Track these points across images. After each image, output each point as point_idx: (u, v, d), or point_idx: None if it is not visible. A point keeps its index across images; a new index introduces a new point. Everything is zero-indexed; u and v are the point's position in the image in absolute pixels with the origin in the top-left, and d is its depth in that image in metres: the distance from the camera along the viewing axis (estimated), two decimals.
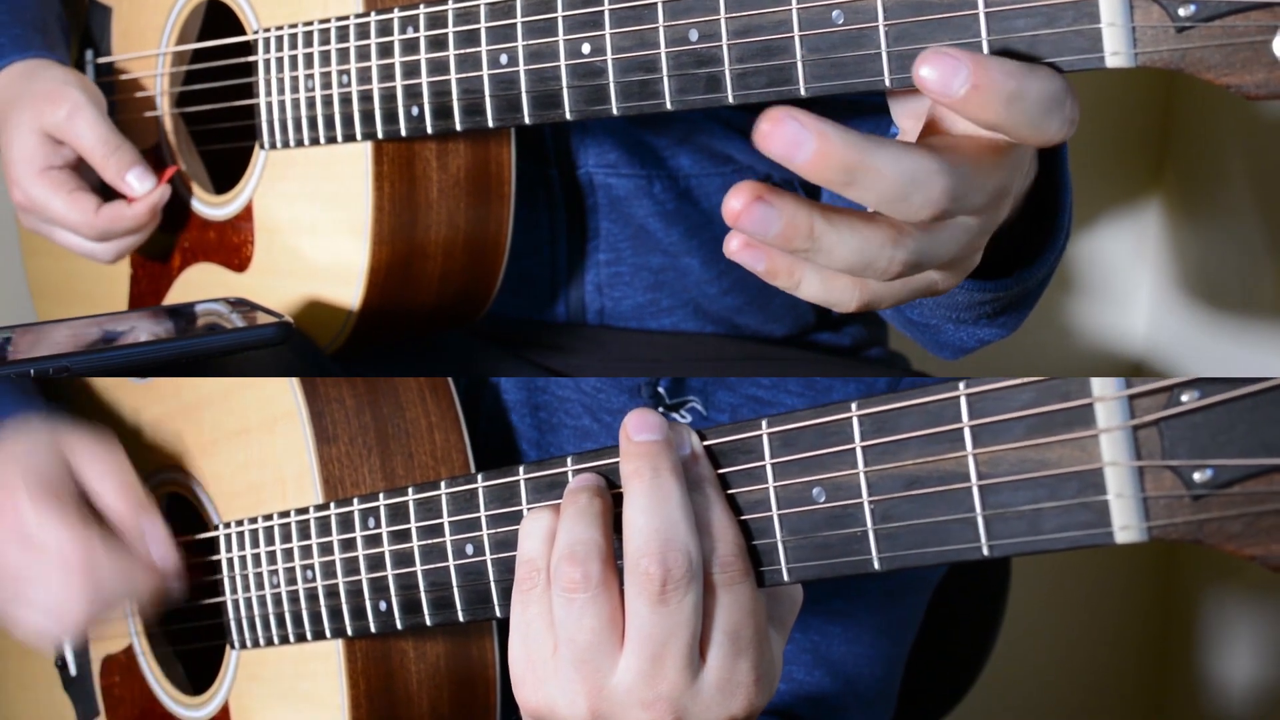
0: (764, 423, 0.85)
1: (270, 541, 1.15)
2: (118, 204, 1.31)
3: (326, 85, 1.20)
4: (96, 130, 1.30)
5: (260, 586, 1.16)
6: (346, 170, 1.21)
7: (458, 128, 1.12)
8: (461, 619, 1.01)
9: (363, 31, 1.17)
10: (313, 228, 1.25)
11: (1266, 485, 0.67)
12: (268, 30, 1.25)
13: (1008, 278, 1.03)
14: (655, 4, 0.96)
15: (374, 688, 1.12)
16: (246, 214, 1.30)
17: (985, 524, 0.77)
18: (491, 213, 1.25)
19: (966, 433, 0.77)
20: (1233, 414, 0.68)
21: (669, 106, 0.97)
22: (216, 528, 1.21)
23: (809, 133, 0.77)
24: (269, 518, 1.15)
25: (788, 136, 0.77)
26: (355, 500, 1.07)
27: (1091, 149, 2.06)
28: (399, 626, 1.05)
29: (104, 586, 1.14)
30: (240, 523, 1.18)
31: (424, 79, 1.13)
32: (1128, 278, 2.13)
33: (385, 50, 1.16)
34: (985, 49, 0.83)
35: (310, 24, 1.21)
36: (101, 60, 1.46)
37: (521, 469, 0.96)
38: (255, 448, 1.19)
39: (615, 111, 1.00)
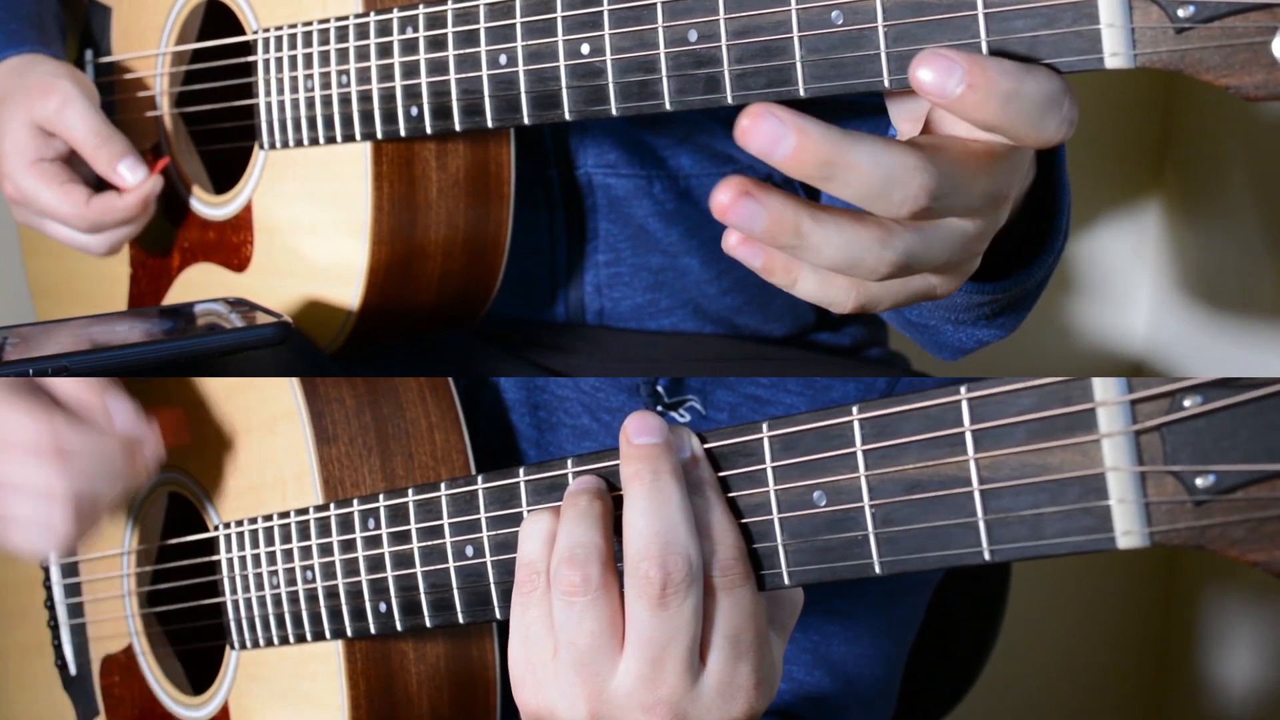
0: (764, 426, 0.85)
1: (270, 542, 1.15)
2: (108, 195, 1.30)
3: (326, 85, 1.20)
4: (87, 121, 1.29)
5: (260, 587, 1.16)
6: (346, 170, 1.21)
7: (457, 128, 1.12)
8: (461, 621, 1.01)
9: (362, 32, 1.17)
10: (312, 228, 1.25)
11: (1269, 491, 0.67)
12: (267, 30, 1.25)
13: (1006, 279, 1.03)
14: (654, 4, 0.96)
15: (374, 689, 1.12)
16: (246, 214, 1.30)
17: (986, 528, 0.77)
18: (491, 213, 1.25)
19: (968, 437, 0.77)
20: (1235, 419, 0.68)
21: (668, 107, 0.97)
22: (216, 528, 1.21)
23: (788, 128, 0.77)
24: (269, 518, 1.15)
25: (766, 132, 0.77)
26: (355, 501, 1.07)
27: (1091, 149, 2.05)
28: (399, 628, 1.05)
29: (79, 470, 1.12)
30: (240, 523, 1.18)
31: (423, 79, 1.13)
32: (1128, 278, 2.13)
33: (384, 50, 1.16)
34: (984, 49, 0.82)
35: (310, 24, 1.21)
36: (101, 60, 1.45)
37: (522, 471, 0.96)
38: (255, 448, 1.19)
39: (614, 112, 1.00)
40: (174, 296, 1.38)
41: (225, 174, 1.35)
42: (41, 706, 1.44)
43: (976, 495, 0.77)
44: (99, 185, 1.32)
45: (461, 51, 1.10)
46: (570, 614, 0.87)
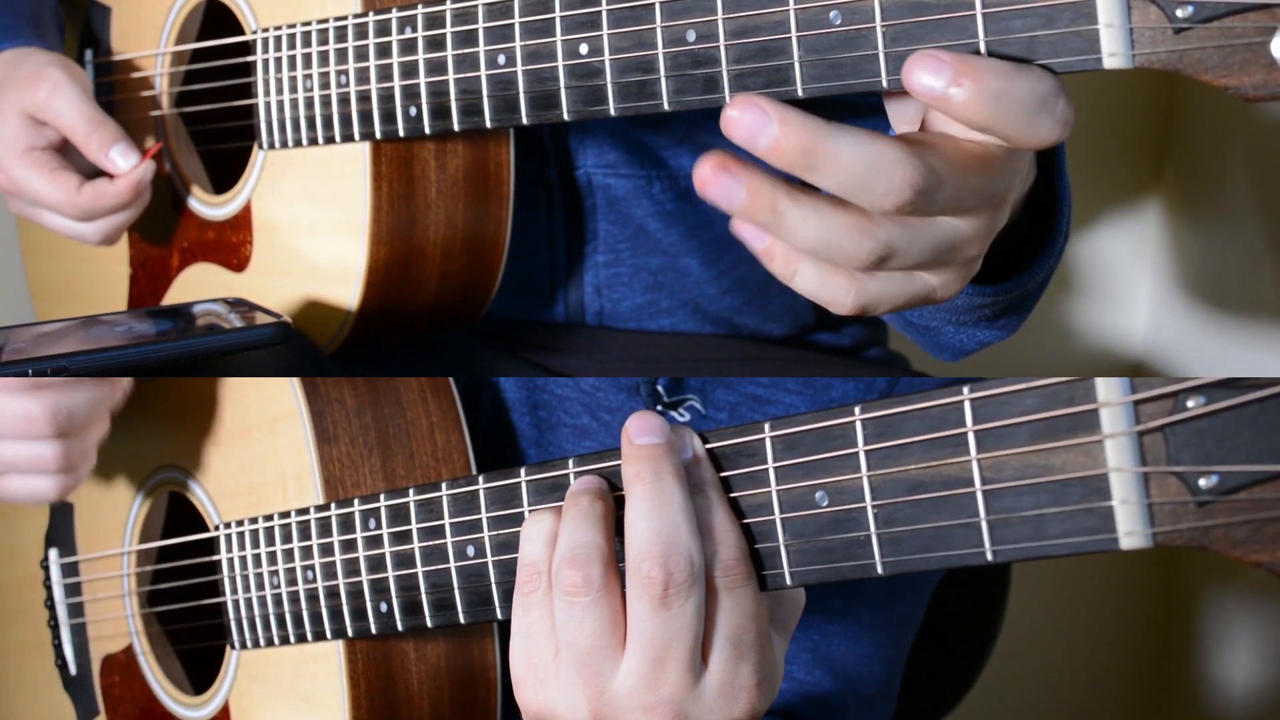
0: (766, 426, 0.85)
1: (270, 542, 1.15)
2: (100, 181, 1.30)
3: (325, 85, 1.20)
4: (77, 108, 1.29)
5: (260, 587, 1.16)
6: (345, 170, 1.21)
7: (455, 128, 1.12)
8: (462, 621, 1.01)
9: (361, 32, 1.17)
10: (311, 228, 1.25)
11: (1273, 491, 0.67)
12: (266, 30, 1.25)
13: (1006, 281, 1.03)
14: (653, 5, 0.96)
15: (374, 689, 1.12)
16: (245, 214, 1.30)
17: (989, 529, 0.77)
18: (490, 213, 1.25)
19: (970, 437, 0.77)
20: (1239, 420, 0.68)
21: (666, 107, 0.97)
22: (216, 528, 1.21)
23: (770, 118, 0.78)
24: (269, 518, 1.15)
25: (750, 122, 0.79)
26: (356, 501, 1.07)
27: (1091, 149, 2.06)
28: (400, 628, 1.05)
29: (54, 399, 1.13)
30: (240, 523, 1.18)
31: (422, 79, 1.13)
32: (1128, 278, 2.13)
33: (383, 50, 1.16)
34: (983, 49, 0.83)
35: (309, 24, 1.21)
36: (101, 60, 1.45)
37: (523, 471, 0.96)
38: (255, 448, 1.19)
39: (613, 112, 1.00)
40: (173, 296, 1.38)
41: (225, 174, 1.35)
42: (41, 706, 1.44)
43: (979, 496, 0.77)
44: (95, 176, 1.32)
45: (460, 51, 1.10)
46: (572, 614, 0.87)
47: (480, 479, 0.98)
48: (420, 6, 1.12)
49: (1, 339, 1.13)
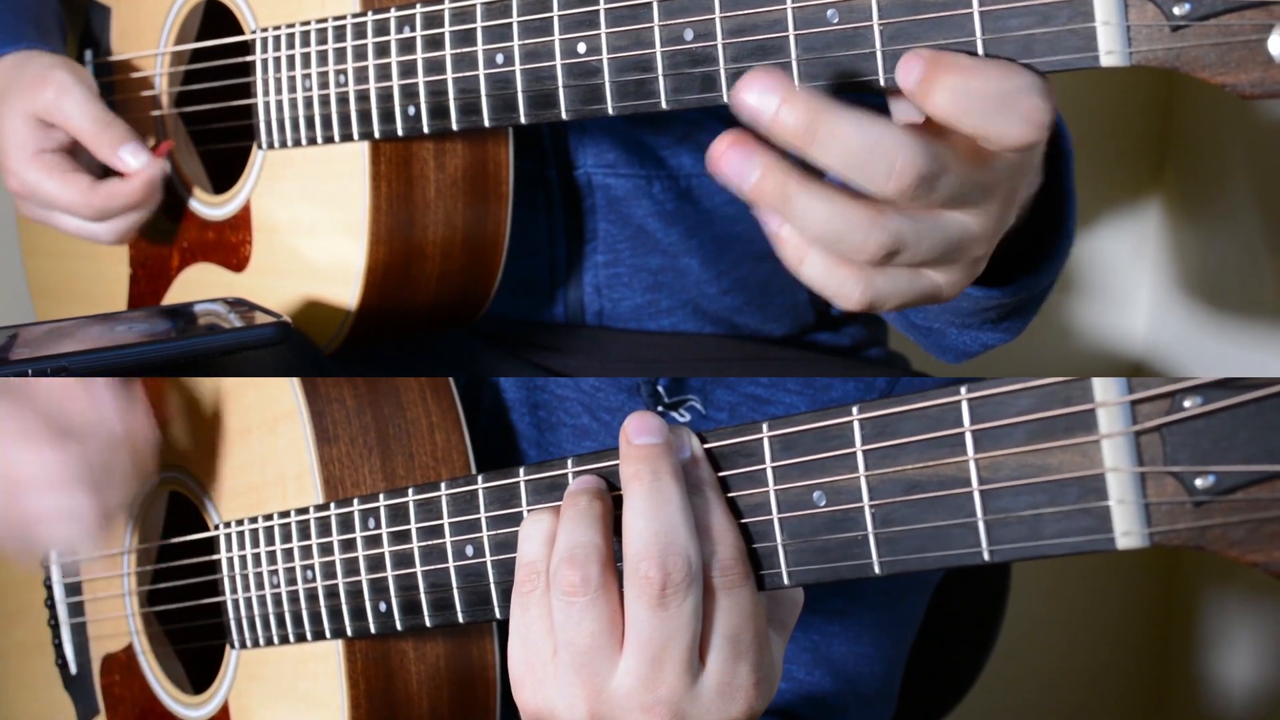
0: (764, 426, 0.85)
1: (270, 541, 1.15)
2: (112, 181, 1.30)
3: (324, 85, 1.20)
4: (85, 109, 1.29)
5: (260, 586, 1.16)
6: (344, 170, 1.21)
7: (454, 127, 1.12)
8: (461, 620, 1.01)
9: (360, 31, 1.17)
10: (311, 228, 1.25)
11: (1269, 491, 0.67)
12: (265, 30, 1.25)
13: (1012, 284, 1.03)
14: (650, 3, 0.96)
15: (374, 688, 1.12)
16: (245, 214, 1.30)
17: (986, 529, 0.77)
18: (489, 212, 1.25)
19: (968, 437, 0.77)
20: (1236, 420, 0.68)
21: (664, 106, 0.97)
22: (217, 527, 1.21)
23: (776, 92, 0.80)
24: (269, 518, 1.15)
25: (758, 95, 0.80)
26: (355, 501, 1.07)
27: (1091, 149, 2.05)
28: (399, 627, 1.05)
29: (83, 451, 1.13)
30: (240, 522, 1.18)
31: (420, 79, 1.13)
32: (1128, 278, 2.13)
33: (382, 50, 1.16)
34: (980, 48, 0.83)
35: (308, 24, 1.21)
36: (100, 60, 1.45)
37: (522, 470, 0.96)
38: (256, 448, 1.19)
39: (611, 111, 1.00)
40: (173, 296, 1.38)
41: (224, 174, 1.35)
42: (42, 706, 1.44)
43: (976, 496, 0.77)
44: (104, 176, 1.32)
45: (458, 51, 1.10)
46: (570, 614, 0.87)
47: (479, 479, 0.98)
48: (419, 6, 1.12)
49: (2, 339, 1.13)
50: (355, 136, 1.19)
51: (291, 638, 1.14)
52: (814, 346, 1.44)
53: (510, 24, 1.06)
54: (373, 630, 1.07)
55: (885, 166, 0.81)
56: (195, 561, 1.25)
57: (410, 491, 1.03)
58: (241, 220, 1.30)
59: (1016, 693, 2.15)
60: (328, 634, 1.11)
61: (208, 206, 1.34)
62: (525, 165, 1.30)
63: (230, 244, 1.32)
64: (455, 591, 1.01)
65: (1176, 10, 0.77)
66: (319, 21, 1.20)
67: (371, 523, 1.06)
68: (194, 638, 1.32)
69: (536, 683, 0.89)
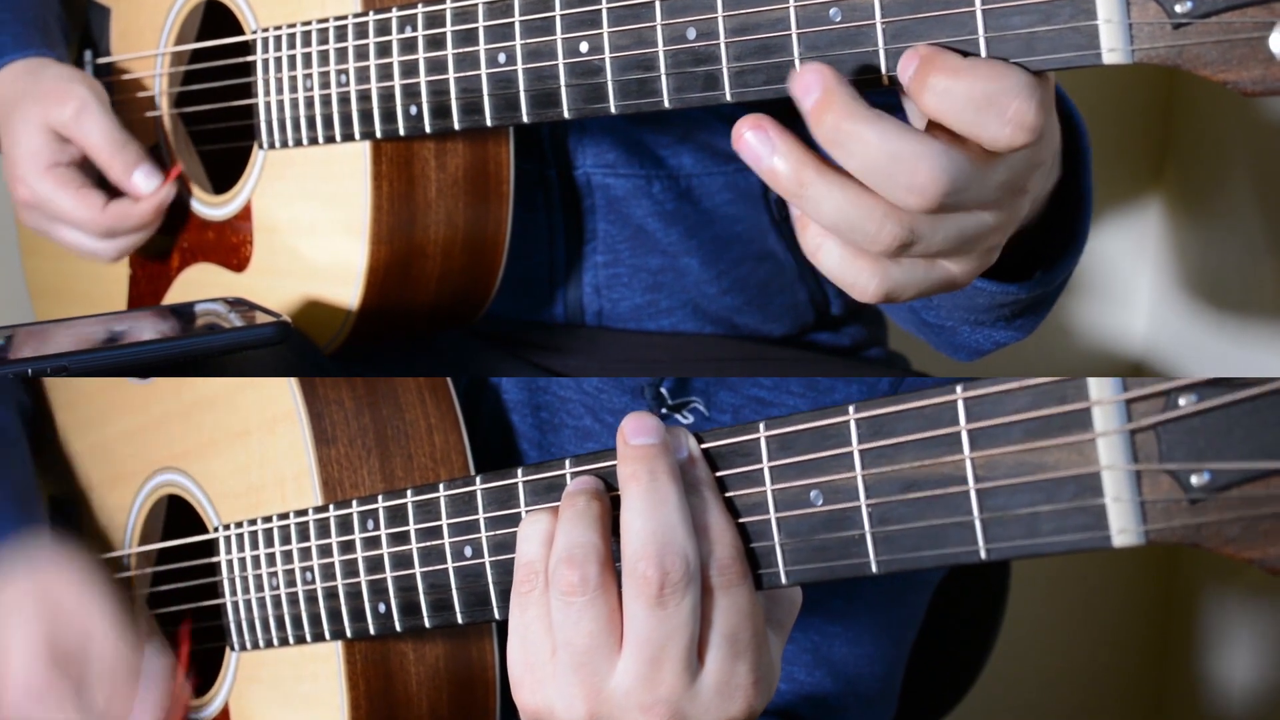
0: (761, 425, 0.85)
1: (269, 543, 1.15)
2: (124, 201, 1.31)
3: (325, 85, 1.20)
4: (103, 128, 1.30)
5: (259, 588, 1.16)
6: (345, 170, 1.21)
7: (456, 127, 1.12)
8: (460, 621, 1.01)
9: (361, 31, 1.17)
10: (311, 227, 1.25)
11: (1264, 489, 0.67)
12: (266, 30, 1.25)
13: (1029, 280, 1.03)
14: (653, 2, 0.96)
15: (373, 689, 1.12)
16: (245, 214, 1.30)
17: (982, 527, 0.77)
18: (490, 212, 1.25)
19: (964, 436, 0.77)
20: (1230, 417, 0.68)
21: (667, 105, 0.98)
22: (215, 529, 1.21)
23: (820, 86, 0.83)
24: (268, 519, 1.15)
25: (806, 82, 0.83)
26: (354, 502, 1.07)
27: (1092, 148, 2.05)
28: (398, 628, 1.05)
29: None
30: (239, 524, 1.17)
31: (422, 78, 1.13)
32: (1128, 278, 2.13)
33: (383, 50, 1.16)
34: (982, 45, 0.83)
35: (309, 24, 1.21)
36: (100, 60, 1.45)
37: (520, 471, 0.96)
38: (254, 449, 1.19)
39: (613, 110, 1.00)
40: (173, 296, 1.38)
41: (224, 174, 1.35)
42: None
43: (972, 494, 0.77)
44: (107, 189, 1.33)
45: (460, 50, 1.10)
46: (568, 614, 0.87)
47: (478, 479, 0.98)
48: (420, 5, 1.12)
49: (2, 339, 1.13)
50: (356, 136, 1.19)
51: (291, 639, 1.14)
52: (814, 346, 1.44)
53: (512, 23, 1.06)
54: (372, 631, 1.07)
55: (906, 179, 0.82)
56: (195, 564, 1.24)
57: (409, 493, 1.03)
58: (242, 220, 1.30)
59: (1016, 693, 2.15)
60: (327, 635, 1.11)
61: (208, 207, 1.34)
62: (525, 165, 1.30)
63: (231, 244, 1.32)
64: (454, 592, 1.01)
65: (1178, 8, 0.77)
66: (320, 21, 1.20)
67: (370, 524, 1.06)
68: (194, 640, 1.31)
69: (535, 683, 0.89)
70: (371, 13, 1.17)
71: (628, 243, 1.35)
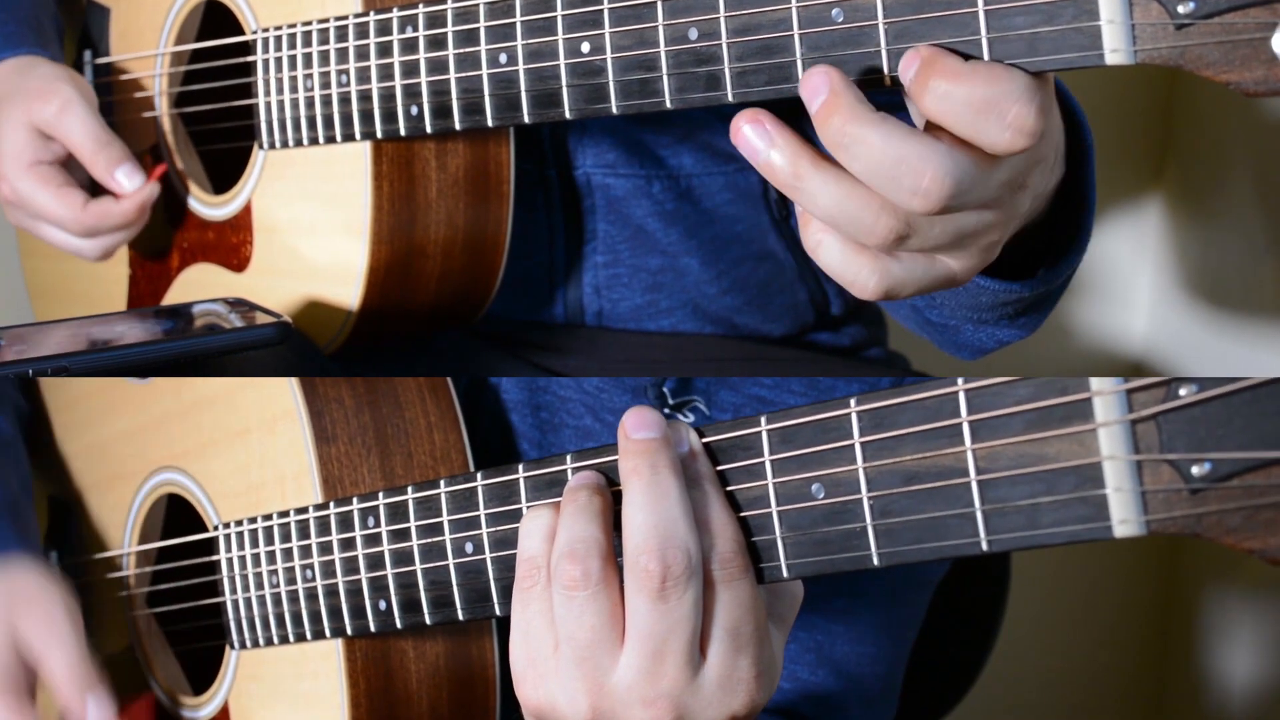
0: (763, 419, 0.85)
1: (270, 541, 1.15)
2: (105, 200, 1.30)
3: (325, 85, 1.20)
4: (86, 126, 1.29)
5: (260, 586, 1.16)
6: (345, 170, 1.21)
7: (457, 127, 1.12)
8: (461, 618, 1.01)
9: (361, 31, 1.17)
10: (312, 228, 1.25)
11: (1265, 478, 0.67)
12: (266, 30, 1.25)
13: (1032, 278, 1.03)
14: (654, 2, 0.96)
15: (374, 687, 1.12)
16: (245, 214, 1.30)
17: (984, 519, 0.77)
18: (490, 212, 1.25)
19: (965, 428, 0.77)
20: (1231, 408, 0.68)
21: (669, 105, 0.98)
22: (216, 528, 1.21)
23: (826, 89, 0.83)
24: (268, 518, 1.15)
25: (814, 85, 0.83)
26: (354, 500, 1.07)
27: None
28: (398, 625, 1.05)
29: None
30: (240, 523, 1.18)
31: (423, 78, 1.13)
32: (1128, 278, 2.13)
33: (384, 50, 1.16)
34: (984, 46, 0.83)
35: (309, 24, 1.21)
36: (100, 61, 1.46)
37: (521, 467, 0.96)
38: (254, 448, 1.19)
39: (615, 110, 1.00)
40: (173, 297, 1.39)
41: (224, 174, 1.35)
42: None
43: (974, 486, 0.77)
44: (94, 189, 1.32)
45: (461, 50, 1.10)
46: (570, 609, 0.87)
47: (478, 475, 0.98)
48: (421, 6, 1.13)
49: (1, 339, 1.13)
50: (357, 136, 1.19)
51: (291, 637, 1.14)
52: (814, 346, 1.44)
53: (514, 23, 1.06)
54: (372, 629, 1.07)
55: (911, 181, 0.82)
56: (195, 562, 1.25)
57: (409, 489, 1.03)
58: (242, 220, 1.31)
59: (1016, 693, 2.15)
60: (327, 633, 1.11)
61: (208, 207, 1.34)
62: (525, 166, 1.30)
63: (231, 244, 1.32)
64: (455, 589, 1.01)
65: (1181, 9, 0.77)
66: (320, 21, 1.20)
67: (371, 521, 1.06)
68: (194, 638, 1.32)
69: (538, 678, 0.89)
70: (372, 13, 1.17)
71: (628, 243, 1.36)
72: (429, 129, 1.14)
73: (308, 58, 1.21)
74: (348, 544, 1.08)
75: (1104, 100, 2.01)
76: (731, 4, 0.92)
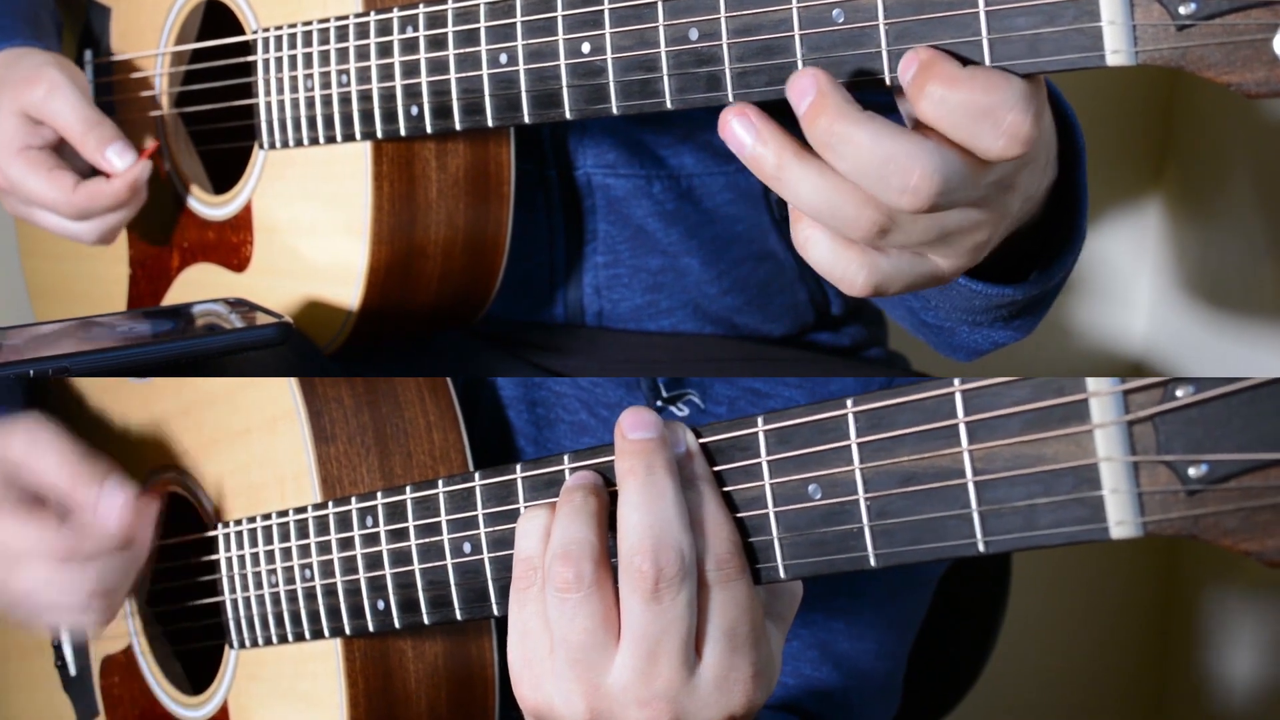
0: (760, 420, 0.85)
1: (269, 541, 1.15)
2: (96, 180, 1.30)
3: (326, 85, 1.20)
4: (74, 107, 1.29)
5: (259, 586, 1.16)
6: (346, 170, 1.21)
7: (457, 127, 1.12)
8: (459, 618, 1.01)
9: (362, 31, 1.17)
10: (312, 228, 1.25)
11: (1262, 480, 0.67)
12: (267, 30, 1.25)
13: (1025, 281, 1.03)
14: (655, 3, 0.96)
15: (372, 687, 1.12)
16: (245, 214, 1.30)
17: (980, 520, 0.77)
18: (491, 213, 1.25)
19: (962, 429, 0.77)
20: (1228, 409, 0.68)
21: (669, 105, 0.98)
22: (215, 527, 1.21)
23: (814, 90, 0.84)
24: (268, 517, 1.15)
25: (800, 86, 0.84)
26: (353, 499, 1.07)
27: (1092, 149, 2.05)
28: (397, 625, 1.05)
29: (93, 572, 1.14)
30: (239, 522, 1.18)
31: (423, 78, 1.13)
32: (1128, 278, 2.13)
33: (385, 50, 1.16)
34: (985, 47, 0.83)
35: (309, 24, 1.21)
36: (100, 60, 1.46)
37: (519, 467, 0.96)
38: (254, 447, 1.19)
39: (615, 111, 1.00)
40: (173, 297, 1.39)
41: (225, 174, 1.35)
42: (41, 707, 1.44)
43: (970, 487, 0.77)
44: (91, 176, 1.32)
45: (462, 51, 1.10)
46: (564, 610, 0.87)
47: (476, 476, 0.98)
48: (421, 5, 1.13)
49: (1, 339, 1.13)
50: (357, 136, 1.19)
51: (290, 637, 1.14)
52: (814, 346, 1.44)
53: (514, 24, 1.06)
54: (371, 628, 1.07)
55: (899, 180, 0.83)
56: (194, 561, 1.25)
57: (408, 489, 1.03)
58: (242, 220, 1.31)
59: (1016, 693, 2.15)
60: (326, 633, 1.11)
61: (208, 206, 1.34)
62: (525, 166, 1.30)
63: (231, 244, 1.32)
64: (453, 589, 1.01)
65: (1182, 10, 0.77)
66: (320, 21, 1.20)
67: (369, 521, 1.06)
68: (193, 638, 1.32)
69: (535, 679, 0.89)
70: (372, 13, 1.17)
71: (628, 243, 1.36)
72: (429, 129, 1.14)
73: (308, 58, 1.21)
74: (346, 544, 1.08)
75: (1104, 101, 2.01)
76: (732, 4, 0.92)
